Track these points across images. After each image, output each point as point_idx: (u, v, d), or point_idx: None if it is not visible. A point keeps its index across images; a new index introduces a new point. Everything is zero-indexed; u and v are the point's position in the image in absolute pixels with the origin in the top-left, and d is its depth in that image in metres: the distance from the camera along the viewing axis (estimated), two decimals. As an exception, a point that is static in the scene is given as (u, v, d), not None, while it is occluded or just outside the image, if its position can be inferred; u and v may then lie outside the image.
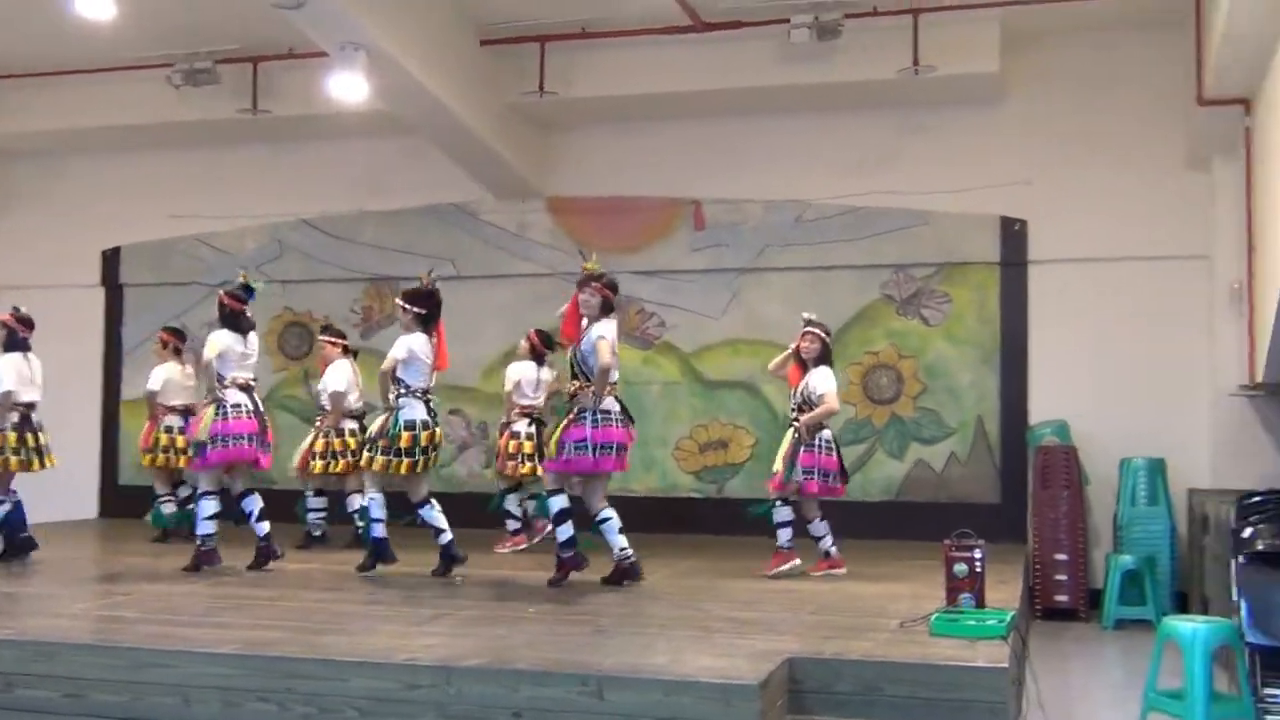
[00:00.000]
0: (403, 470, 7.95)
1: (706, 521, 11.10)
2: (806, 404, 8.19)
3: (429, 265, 11.98)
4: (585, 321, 7.60)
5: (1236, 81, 8.82)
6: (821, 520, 8.36)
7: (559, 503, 7.60)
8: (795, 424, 8.20)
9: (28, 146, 13.08)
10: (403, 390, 7.97)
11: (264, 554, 8.35)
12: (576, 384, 7.53)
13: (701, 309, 11.58)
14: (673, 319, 11.64)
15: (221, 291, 8.63)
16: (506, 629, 6.15)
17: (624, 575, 7.62)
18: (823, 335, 8.30)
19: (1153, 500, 9.87)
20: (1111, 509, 10.23)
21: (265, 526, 8.39)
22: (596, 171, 11.79)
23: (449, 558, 8.05)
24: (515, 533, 9.76)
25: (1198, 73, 9.30)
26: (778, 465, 8.22)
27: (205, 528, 8.33)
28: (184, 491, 10.13)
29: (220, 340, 8.33)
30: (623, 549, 7.62)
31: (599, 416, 7.48)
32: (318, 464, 9.62)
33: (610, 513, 7.63)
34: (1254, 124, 9.18)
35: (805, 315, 8.40)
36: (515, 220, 12.05)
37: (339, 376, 9.74)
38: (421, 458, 7.95)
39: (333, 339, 10.02)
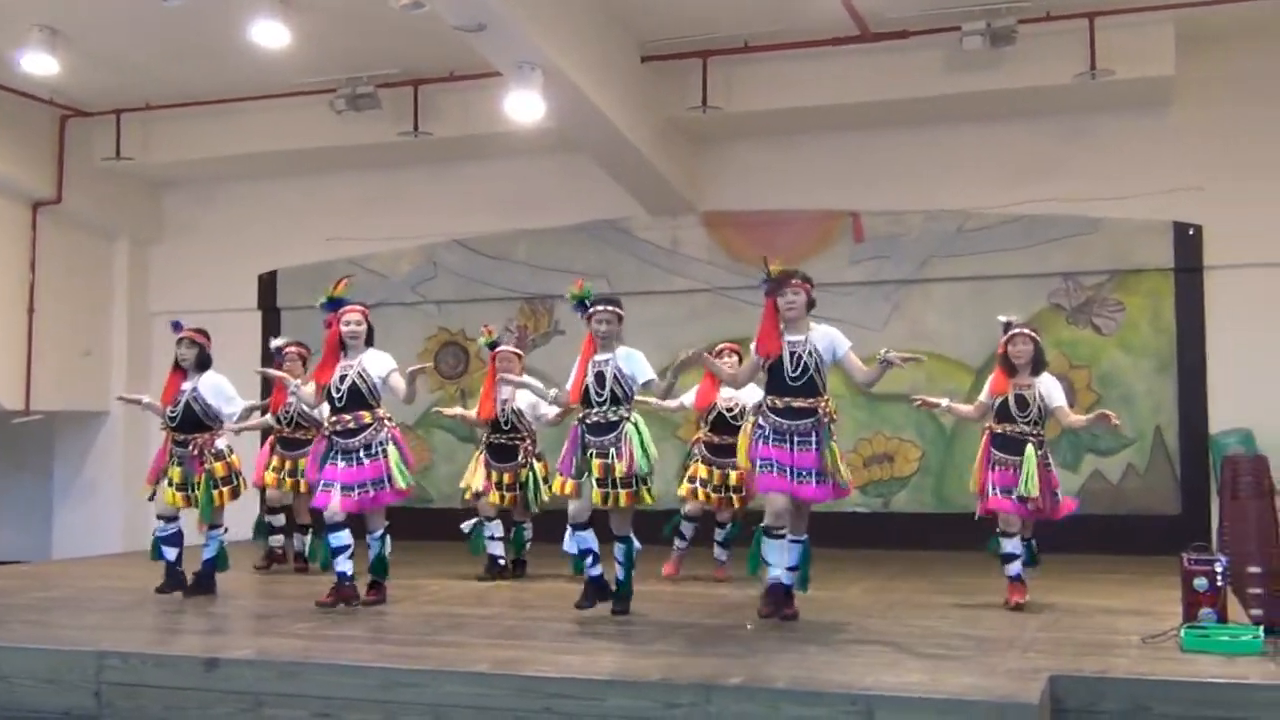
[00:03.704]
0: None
1: (874, 537, 10.95)
2: (1035, 416, 7.42)
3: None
4: (783, 327, 6.82)
5: None
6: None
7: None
8: (1030, 438, 7.38)
9: (184, 175, 13.39)
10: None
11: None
12: (814, 400, 6.81)
13: (861, 321, 11.34)
14: (832, 332, 11.53)
15: None
16: (738, 646, 6.09)
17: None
18: (1035, 336, 7.56)
19: (1350, 509, 9.54)
20: (1300, 519, 9.93)
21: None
22: (752, 185, 11.75)
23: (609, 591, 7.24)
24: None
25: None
26: (1028, 489, 7.26)
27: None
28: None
29: None
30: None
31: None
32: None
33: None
34: None
35: (1003, 318, 7.67)
36: (669, 236, 12.05)
37: None
38: None
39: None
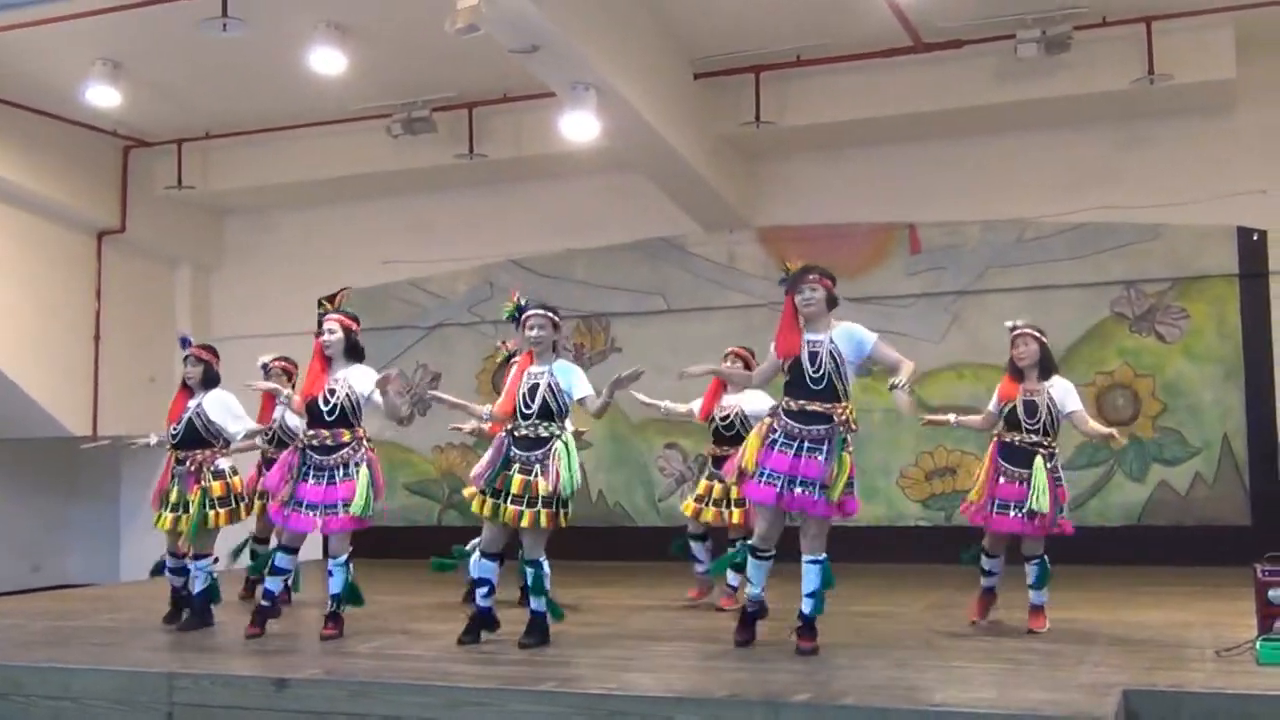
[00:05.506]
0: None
1: (936, 551, 10.78)
2: (1045, 423, 6.91)
3: (638, 299, 12.23)
4: (803, 325, 6.35)
5: None
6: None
7: None
8: (1040, 449, 6.88)
9: (244, 202, 13.58)
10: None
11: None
12: (832, 405, 6.24)
13: (919, 334, 11.34)
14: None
15: None
16: (804, 663, 6.04)
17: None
18: (1038, 335, 7.05)
19: None
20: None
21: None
22: (807, 199, 11.73)
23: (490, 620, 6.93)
24: None
25: None
26: (1039, 504, 6.76)
27: None
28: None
29: None
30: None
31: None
32: None
33: None
34: None
35: (1009, 323, 7.23)
36: (724, 252, 12.05)
37: None
38: None
39: None
